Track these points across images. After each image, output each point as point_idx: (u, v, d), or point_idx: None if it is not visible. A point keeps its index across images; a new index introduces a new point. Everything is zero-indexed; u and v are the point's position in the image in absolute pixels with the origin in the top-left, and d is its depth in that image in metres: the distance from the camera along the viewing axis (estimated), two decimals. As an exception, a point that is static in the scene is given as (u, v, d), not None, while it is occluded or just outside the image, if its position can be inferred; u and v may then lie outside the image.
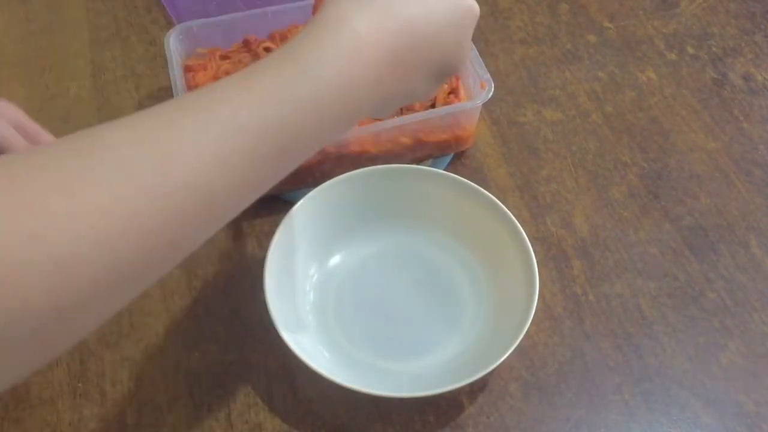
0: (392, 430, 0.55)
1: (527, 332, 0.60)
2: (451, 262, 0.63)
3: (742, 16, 0.86)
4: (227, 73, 0.69)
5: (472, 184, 0.63)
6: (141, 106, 0.76)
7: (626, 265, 0.65)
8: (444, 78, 0.46)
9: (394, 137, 0.66)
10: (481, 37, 0.83)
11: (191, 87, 0.69)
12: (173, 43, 0.70)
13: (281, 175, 0.38)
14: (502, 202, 0.68)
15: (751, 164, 0.72)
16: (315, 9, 0.63)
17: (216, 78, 0.68)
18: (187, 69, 0.70)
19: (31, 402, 0.56)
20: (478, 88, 0.67)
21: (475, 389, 0.57)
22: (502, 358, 0.53)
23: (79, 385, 0.57)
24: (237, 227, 0.66)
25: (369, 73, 0.39)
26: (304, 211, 0.60)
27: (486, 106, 0.76)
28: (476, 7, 0.47)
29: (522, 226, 0.67)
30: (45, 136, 0.57)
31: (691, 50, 0.82)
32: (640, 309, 0.62)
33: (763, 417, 0.56)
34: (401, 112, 0.68)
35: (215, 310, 0.61)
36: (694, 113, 0.76)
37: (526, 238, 0.59)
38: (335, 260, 0.63)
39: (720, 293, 0.63)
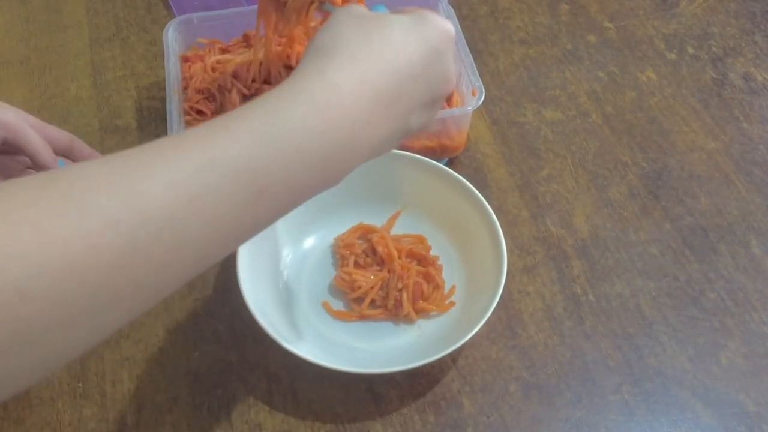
0: (392, 430, 0.55)
1: (527, 332, 0.60)
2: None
3: (742, 16, 0.86)
4: (219, 62, 0.69)
5: (442, 166, 0.64)
6: (141, 106, 0.76)
7: (626, 265, 0.65)
8: (438, 104, 0.46)
9: None
10: (481, 37, 0.83)
11: (186, 77, 0.69)
12: (171, 35, 0.70)
13: (265, 220, 0.38)
14: (502, 202, 0.68)
15: (751, 164, 0.72)
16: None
17: (210, 68, 0.69)
18: (185, 60, 0.71)
19: (31, 402, 0.56)
20: (471, 95, 0.67)
21: (476, 389, 0.57)
22: (478, 327, 0.54)
23: (79, 385, 0.57)
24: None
25: (349, 120, 0.39)
26: None
27: (486, 106, 0.76)
28: (450, 29, 0.46)
29: (522, 226, 0.67)
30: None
31: (691, 50, 0.82)
32: (640, 309, 0.62)
33: (763, 417, 0.56)
34: None
35: (215, 310, 0.61)
36: (694, 113, 0.76)
37: (495, 218, 0.60)
38: (309, 242, 0.65)
39: (720, 293, 0.63)
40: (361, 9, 0.45)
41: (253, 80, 0.68)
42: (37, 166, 0.59)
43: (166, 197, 0.33)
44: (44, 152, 0.58)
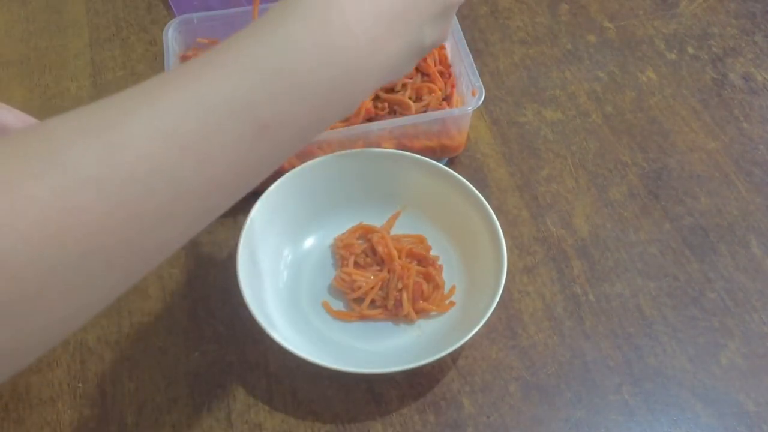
0: (392, 430, 0.55)
1: (527, 332, 0.60)
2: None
3: (742, 16, 0.86)
4: None
5: (442, 166, 0.64)
6: (141, 106, 0.76)
7: (626, 265, 0.65)
8: (450, 13, 0.43)
9: (376, 141, 0.66)
10: (481, 37, 0.83)
11: None
12: (171, 35, 0.70)
13: (271, 159, 0.35)
14: (502, 202, 0.68)
15: (751, 164, 0.72)
16: None
17: None
18: (185, 60, 0.71)
19: (31, 402, 0.56)
20: (471, 95, 0.67)
21: (476, 389, 0.57)
22: (478, 327, 0.54)
23: (79, 385, 0.57)
24: (238, 226, 0.66)
25: (354, 38, 0.36)
26: (277, 193, 0.61)
27: (486, 106, 0.76)
28: None
29: (522, 226, 0.67)
30: None
31: (691, 50, 0.82)
32: (640, 309, 0.62)
33: (763, 417, 0.56)
34: (394, 113, 0.68)
35: (215, 310, 0.61)
36: (694, 113, 0.76)
37: (495, 218, 0.60)
38: (309, 242, 0.65)
39: (720, 293, 0.63)
40: None
41: None
42: None
43: (152, 145, 0.30)
44: None
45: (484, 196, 0.62)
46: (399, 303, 0.59)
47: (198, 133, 0.31)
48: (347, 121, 0.66)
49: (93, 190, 0.28)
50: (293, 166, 0.62)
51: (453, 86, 0.70)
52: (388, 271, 0.61)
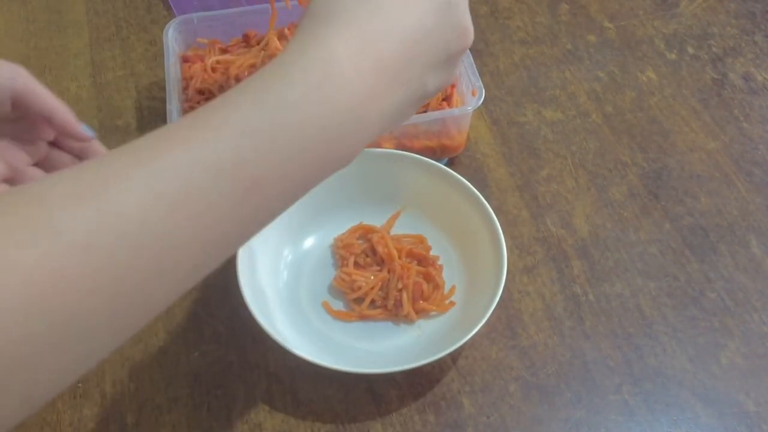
0: (392, 430, 0.55)
1: (527, 332, 0.60)
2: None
3: (742, 16, 0.86)
4: (219, 62, 0.69)
5: (442, 166, 0.64)
6: (141, 106, 0.76)
7: (626, 265, 0.65)
8: (455, 60, 0.42)
9: (376, 141, 0.65)
10: (481, 37, 0.83)
11: (186, 77, 0.69)
12: (171, 35, 0.70)
13: (263, 216, 0.35)
14: (502, 202, 0.68)
15: (751, 164, 0.72)
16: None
17: (210, 68, 0.69)
18: (185, 60, 0.71)
19: (31, 402, 0.56)
20: (471, 95, 0.67)
21: (476, 389, 0.57)
22: (478, 327, 0.54)
23: (79, 385, 0.57)
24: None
25: (353, 95, 0.35)
26: None
27: (486, 106, 0.76)
28: None
29: (522, 226, 0.67)
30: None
31: (691, 50, 0.82)
32: (640, 309, 0.62)
33: (763, 417, 0.56)
34: None
35: (215, 310, 0.61)
36: (694, 113, 0.76)
37: (495, 218, 0.60)
38: (309, 242, 0.65)
39: (720, 293, 0.63)
40: None
41: None
42: (56, 126, 0.52)
43: (143, 207, 0.30)
44: (62, 108, 0.51)
45: (484, 196, 0.62)
46: (399, 303, 0.59)
47: (188, 192, 0.31)
48: None
49: (81, 253, 0.28)
50: None
51: (453, 86, 0.70)
52: (388, 271, 0.61)
